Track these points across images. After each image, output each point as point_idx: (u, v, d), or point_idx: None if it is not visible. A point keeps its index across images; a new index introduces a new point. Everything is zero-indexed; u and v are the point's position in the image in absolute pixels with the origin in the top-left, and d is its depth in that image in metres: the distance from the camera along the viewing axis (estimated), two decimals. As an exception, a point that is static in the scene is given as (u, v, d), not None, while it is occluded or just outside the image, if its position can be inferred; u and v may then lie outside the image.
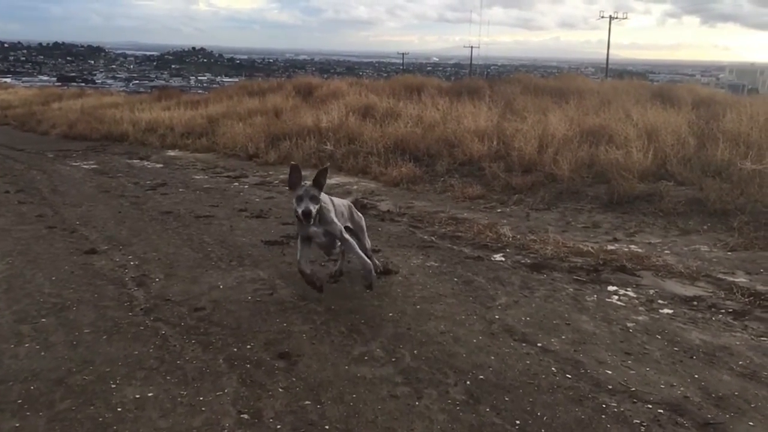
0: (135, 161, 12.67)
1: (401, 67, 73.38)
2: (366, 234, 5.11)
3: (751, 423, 3.05)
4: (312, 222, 4.26)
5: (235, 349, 3.78)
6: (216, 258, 5.73)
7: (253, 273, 5.26)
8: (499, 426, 2.99)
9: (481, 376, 3.48)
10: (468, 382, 3.41)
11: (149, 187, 9.59)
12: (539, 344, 3.92)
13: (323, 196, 4.43)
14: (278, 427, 2.96)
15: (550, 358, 3.73)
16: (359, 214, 5.16)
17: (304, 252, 4.52)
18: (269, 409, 3.12)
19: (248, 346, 3.84)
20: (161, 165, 12.16)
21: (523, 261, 5.69)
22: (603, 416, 3.09)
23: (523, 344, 3.92)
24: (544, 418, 3.06)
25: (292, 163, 4.46)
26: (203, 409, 3.12)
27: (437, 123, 11.82)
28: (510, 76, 19.88)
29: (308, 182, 4.32)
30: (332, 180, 10.12)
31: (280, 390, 3.32)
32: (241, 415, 3.06)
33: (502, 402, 3.21)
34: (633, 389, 3.36)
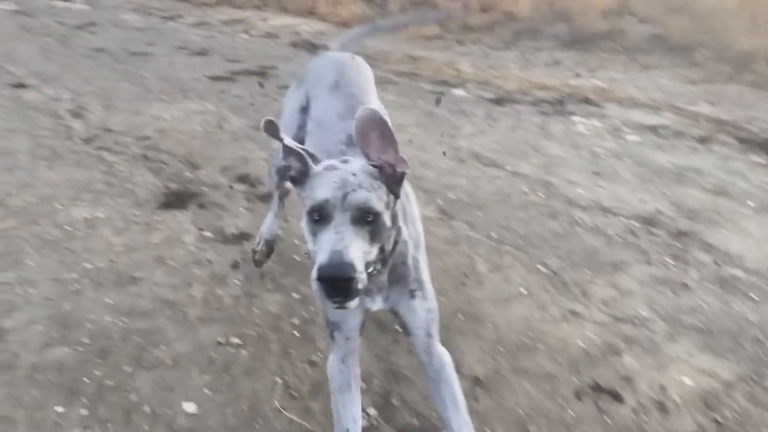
0: (58, 2, 11.48)
1: None
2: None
3: (723, 231, 3.05)
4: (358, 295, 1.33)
5: (189, 174, 3.52)
6: (157, 91, 5.27)
7: (201, 105, 4.87)
8: (474, 238, 2.90)
9: (452, 196, 3.35)
10: (440, 201, 3.28)
11: (75, 26, 8.72)
12: (508, 167, 3.79)
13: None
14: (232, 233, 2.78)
15: (521, 180, 3.62)
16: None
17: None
18: (231, 227, 2.93)
19: (203, 172, 3.57)
20: (88, 7, 11.07)
21: (485, 95, 5.47)
22: (578, 228, 3.04)
23: (493, 168, 3.79)
24: (521, 231, 2.98)
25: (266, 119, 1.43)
26: (160, 227, 2.89)
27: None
28: None
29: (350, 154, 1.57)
30: (275, 21, 9.46)
31: (242, 210, 3.12)
32: (203, 232, 2.86)
33: (475, 217, 3.10)
34: (606, 205, 3.30)
